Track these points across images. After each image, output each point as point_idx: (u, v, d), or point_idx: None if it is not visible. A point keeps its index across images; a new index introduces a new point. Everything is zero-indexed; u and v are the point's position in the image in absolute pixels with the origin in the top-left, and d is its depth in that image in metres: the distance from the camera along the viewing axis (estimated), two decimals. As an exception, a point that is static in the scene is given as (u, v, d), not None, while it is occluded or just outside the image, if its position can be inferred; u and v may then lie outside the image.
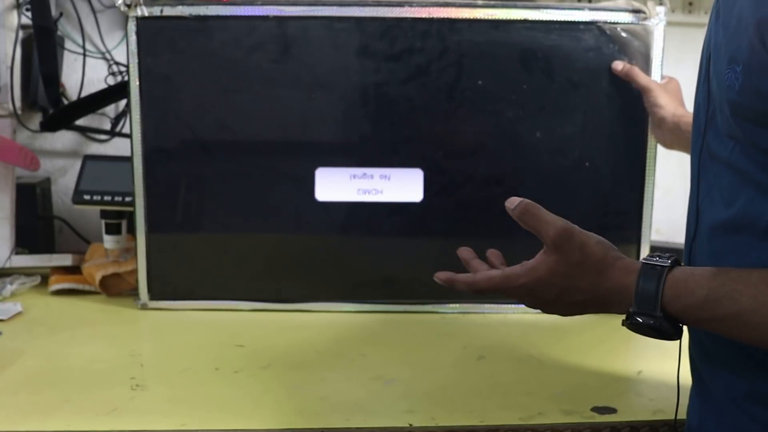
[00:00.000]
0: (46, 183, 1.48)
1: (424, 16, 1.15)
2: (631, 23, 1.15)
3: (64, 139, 1.53)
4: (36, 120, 1.44)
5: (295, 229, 1.21)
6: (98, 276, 1.24)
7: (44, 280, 1.30)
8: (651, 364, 1.00)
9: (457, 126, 1.18)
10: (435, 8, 1.14)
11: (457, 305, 1.21)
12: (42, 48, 1.32)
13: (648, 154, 1.18)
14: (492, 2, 1.16)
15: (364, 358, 1.02)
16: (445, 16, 1.15)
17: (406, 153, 1.18)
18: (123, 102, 1.45)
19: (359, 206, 1.19)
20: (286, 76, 1.16)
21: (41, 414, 0.84)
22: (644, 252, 1.20)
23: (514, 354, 1.05)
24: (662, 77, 1.17)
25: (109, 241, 1.28)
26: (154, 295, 1.21)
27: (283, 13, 1.15)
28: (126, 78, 1.20)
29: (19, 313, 1.17)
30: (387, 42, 1.15)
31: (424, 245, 1.21)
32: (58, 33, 1.45)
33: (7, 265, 1.31)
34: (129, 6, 1.13)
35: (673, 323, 0.67)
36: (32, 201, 1.41)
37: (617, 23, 1.15)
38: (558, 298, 0.72)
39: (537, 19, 1.15)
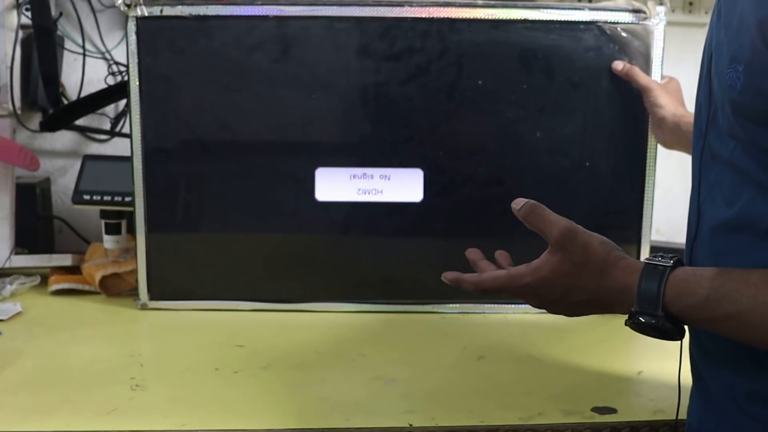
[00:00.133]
0: (46, 183, 1.48)
1: (424, 16, 1.15)
2: (632, 23, 1.15)
3: (63, 139, 1.53)
4: (36, 120, 1.44)
5: (295, 229, 1.21)
6: (98, 276, 1.24)
7: (44, 280, 1.30)
8: (651, 365, 1.00)
9: (457, 126, 1.18)
10: (435, 8, 1.14)
11: (457, 305, 1.21)
12: (42, 48, 1.33)
13: (648, 154, 1.18)
14: (492, 2, 1.16)
15: (364, 358, 1.02)
16: (445, 16, 1.15)
17: (406, 153, 1.18)
18: (123, 102, 1.45)
19: (359, 206, 1.19)
20: (286, 76, 1.16)
21: (41, 414, 0.84)
22: (644, 252, 1.20)
23: (514, 354, 1.05)
24: (662, 77, 1.17)
25: (108, 241, 1.28)
26: (153, 295, 1.21)
27: (283, 13, 1.15)
28: (126, 78, 1.19)
29: (18, 313, 1.17)
30: (387, 42, 1.15)
31: (424, 245, 1.21)
32: (58, 33, 1.45)
33: (7, 265, 1.31)
34: (129, 6, 1.13)
35: (674, 323, 0.67)
36: (32, 201, 1.41)
37: (617, 23, 1.15)
38: (562, 297, 0.73)
39: (537, 18, 1.15)
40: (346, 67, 1.16)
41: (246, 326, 1.14)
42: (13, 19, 1.31)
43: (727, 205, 0.68)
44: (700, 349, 0.74)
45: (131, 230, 1.23)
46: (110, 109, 1.52)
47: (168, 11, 1.14)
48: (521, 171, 1.19)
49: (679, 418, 0.80)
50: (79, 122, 1.49)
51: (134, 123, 1.17)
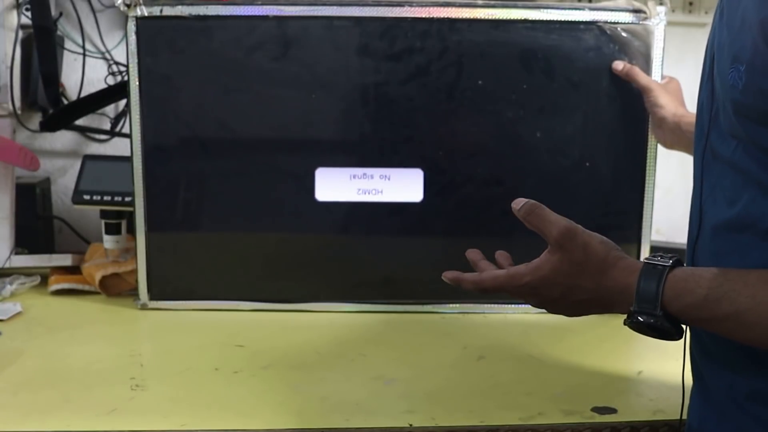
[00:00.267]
0: (46, 183, 1.48)
1: (424, 15, 1.15)
2: (632, 23, 1.15)
3: (63, 139, 1.53)
4: (36, 120, 1.44)
5: (295, 230, 1.21)
6: (98, 276, 1.24)
7: (44, 280, 1.30)
8: (651, 365, 1.00)
9: (457, 126, 1.18)
10: (435, 8, 1.14)
11: (457, 305, 1.21)
12: (42, 48, 1.33)
13: (648, 154, 1.18)
14: (492, 2, 1.16)
15: (364, 358, 1.02)
16: (445, 16, 1.15)
17: (406, 153, 1.18)
18: (123, 102, 1.45)
19: (359, 206, 1.19)
20: (286, 76, 1.16)
21: (41, 414, 0.84)
22: (644, 252, 1.20)
23: (514, 354, 1.05)
24: (662, 77, 1.17)
25: (108, 241, 1.28)
26: (153, 295, 1.21)
27: (283, 13, 1.15)
28: (126, 78, 1.19)
29: (18, 313, 1.17)
30: (387, 42, 1.15)
31: (424, 245, 1.21)
32: (58, 33, 1.45)
33: (7, 265, 1.31)
34: (129, 6, 1.13)
35: (673, 323, 0.67)
36: (32, 201, 1.41)
37: (618, 23, 1.15)
38: (562, 297, 0.73)
39: (537, 18, 1.15)
40: (346, 67, 1.16)
41: (246, 326, 1.14)
42: (13, 19, 1.31)
43: (729, 205, 0.68)
44: (700, 348, 0.74)
45: (131, 230, 1.23)
46: (110, 109, 1.52)
47: (168, 11, 1.14)
48: (521, 171, 1.19)
49: (678, 418, 0.80)
50: (79, 122, 1.49)
51: (134, 123, 1.17)
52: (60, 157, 1.54)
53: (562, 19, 1.15)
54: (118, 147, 1.50)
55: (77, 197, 1.27)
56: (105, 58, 1.52)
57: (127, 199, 1.22)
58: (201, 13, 1.14)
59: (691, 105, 1.13)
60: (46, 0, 1.32)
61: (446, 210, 1.19)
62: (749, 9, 0.61)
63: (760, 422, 0.67)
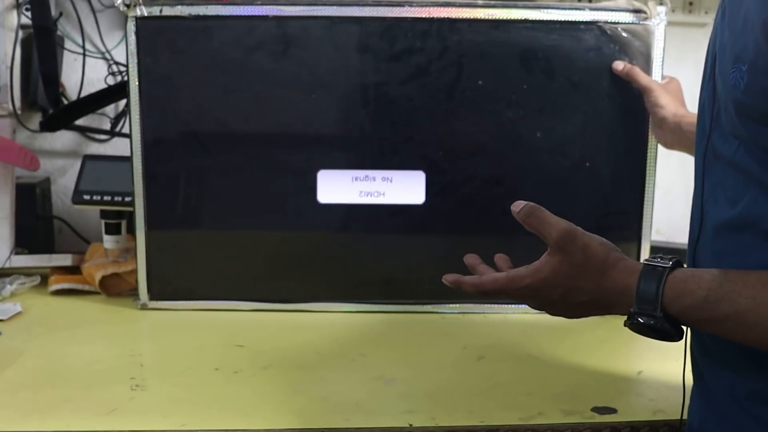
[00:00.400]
0: (46, 183, 1.48)
1: (424, 15, 1.15)
2: (632, 23, 1.15)
3: (63, 139, 1.53)
4: (36, 120, 1.44)
5: (296, 229, 1.21)
6: (98, 276, 1.24)
7: (44, 280, 1.30)
8: (651, 365, 1.00)
9: (458, 126, 1.18)
10: (435, 8, 1.14)
11: (457, 305, 1.21)
12: (42, 48, 1.33)
13: (648, 155, 1.18)
14: (492, 2, 1.16)
15: (364, 358, 1.02)
16: (445, 16, 1.15)
17: (406, 153, 1.18)
18: (123, 102, 1.45)
19: (360, 206, 1.19)
20: (286, 77, 1.16)
21: (41, 414, 0.84)
22: (645, 252, 1.20)
23: (514, 354, 1.05)
24: (663, 77, 1.17)
25: (108, 241, 1.28)
26: (154, 295, 1.21)
27: (282, 13, 1.15)
28: (125, 78, 1.19)
29: (18, 313, 1.17)
30: (387, 42, 1.15)
31: (425, 245, 1.21)
32: (58, 33, 1.45)
33: (7, 265, 1.31)
34: (128, 6, 1.13)
35: (673, 324, 0.67)
36: (32, 201, 1.41)
37: (618, 23, 1.15)
38: (562, 299, 0.73)
39: (537, 18, 1.15)
40: (346, 67, 1.16)
41: (246, 326, 1.14)
42: (13, 19, 1.31)
43: (730, 205, 0.68)
44: (701, 348, 0.74)
45: (131, 230, 1.23)
46: (110, 109, 1.52)
47: (167, 11, 1.14)
48: (521, 171, 1.19)
49: (678, 418, 0.80)
50: (79, 122, 1.49)
51: (134, 123, 1.17)
52: (60, 157, 1.54)
53: (563, 19, 1.15)
54: (118, 147, 1.50)
55: (77, 197, 1.27)
56: (105, 58, 1.52)
57: (127, 199, 1.22)
58: (201, 13, 1.14)
59: (691, 105, 1.13)
60: (46, 0, 1.32)
61: (446, 210, 1.19)
62: (751, 9, 0.61)
63: (760, 422, 0.67)
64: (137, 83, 1.16)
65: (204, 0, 1.15)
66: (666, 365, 0.97)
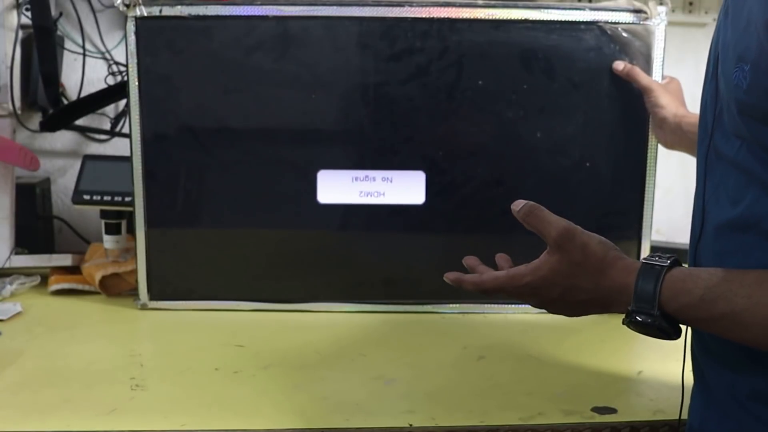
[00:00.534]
0: (46, 183, 1.48)
1: (424, 16, 1.15)
2: (632, 23, 1.15)
3: (63, 139, 1.53)
4: (36, 120, 1.44)
5: (297, 231, 1.21)
6: (98, 276, 1.24)
7: (44, 280, 1.30)
8: (651, 365, 0.99)
9: (458, 126, 1.18)
10: (435, 8, 1.14)
11: (457, 305, 1.21)
12: (42, 48, 1.33)
13: (649, 155, 1.18)
14: (492, 2, 1.16)
15: (364, 358, 1.02)
16: (446, 16, 1.15)
17: (406, 153, 1.18)
18: (123, 102, 1.45)
19: (360, 206, 1.19)
20: (285, 76, 1.16)
21: (41, 414, 0.84)
22: (645, 252, 1.20)
23: (514, 354, 1.05)
24: (663, 77, 1.17)
25: (108, 241, 1.28)
26: (153, 295, 1.21)
27: (282, 13, 1.15)
28: (125, 78, 1.19)
29: (18, 313, 1.17)
30: (387, 42, 1.15)
31: (425, 245, 1.21)
32: (58, 33, 1.45)
33: (7, 265, 1.31)
34: (128, 6, 1.13)
35: (671, 322, 0.68)
36: (32, 201, 1.41)
37: (618, 23, 1.15)
38: (561, 297, 0.73)
39: (537, 19, 1.15)
40: (346, 67, 1.16)
41: (246, 326, 1.14)
42: (13, 19, 1.31)
43: (732, 205, 0.68)
44: (702, 347, 0.74)
45: (131, 230, 1.23)
46: (110, 109, 1.52)
47: (167, 11, 1.14)
48: (522, 171, 1.19)
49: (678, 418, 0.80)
50: (79, 122, 1.49)
51: (134, 123, 1.17)
52: (60, 157, 1.54)
53: (563, 19, 1.15)
54: (118, 147, 1.50)
55: (77, 197, 1.27)
56: (105, 58, 1.52)
57: (127, 199, 1.22)
58: (200, 13, 1.14)
59: (692, 105, 1.13)
60: (46, 0, 1.32)
61: (446, 210, 1.19)
62: (754, 9, 0.61)
63: (761, 422, 0.67)
64: (137, 83, 1.16)
65: (204, 0, 1.15)
66: (666, 365, 0.97)
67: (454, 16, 1.15)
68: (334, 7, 1.15)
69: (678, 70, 1.27)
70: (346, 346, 1.07)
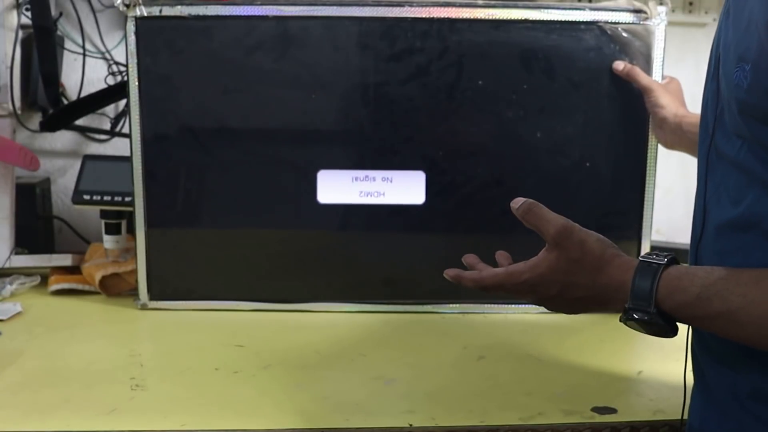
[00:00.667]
0: (46, 183, 1.48)
1: (424, 16, 1.15)
2: (632, 23, 1.15)
3: (63, 139, 1.53)
4: (36, 120, 1.44)
5: (297, 231, 1.21)
6: (98, 276, 1.24)
7: (44, 280, 1.30)
8: (651, 365, 0.99)
9: (458, 126, 1.18)
10: (435, 8, 1.14)
11: (457, 305, 1.21)
12: (42, 48, 1.33)
13: (649, 155, 1.18)
14: (492, 2, 1.16)
15: (364, 358, 1.02)
16: (446, 16, 1.15)
17: (406, 153, 1.18)
18: (123, 102, 1.45)
19: (360, 206, 1.19)
20: (285, 76, 1.16)
21: (41, 414, 0.84)
22: (644, 251, 1.20)
23: (514, 354, 1.05)
24: (663, 77, 1.17)
25: (108, 241, 1.28)
26: (153, 295, 1.21)
27: (282, 13, 1.15)
28: (125, 78, 1.19)
29: (18, 313, 1.17)
30: (387, 42, 1.15)
31: (425, 245, 1.21)
32: (58, 33, 1.45)
33: (7, 265, 1.31)
34: (128, 6, 1.13)
35: (667, 320, 0.68)
36: (32, 201, 1.41)
37: (618, 23, 1.15)
38: (559, 294, 0.74)
39: (537, 19, 1.15)
40: (346, 67, 1.16)
41: (246, 326, 1.14)
42: (13, 19, 1.31)
43: (733, 205, 0.68)
44: (702, 347, 0.74)
45: (131, 230, 1.23)
46: (110, 109, 1.52)
47: (167, 11, 1.14)
48: (522, 171, 1.19)
49: (678, 418, 0.80)
50: (79, 122, 1.49)
51: (134, 123, 1.17)
52: (60, 157, 1.54)
53: (563, 19, 1.15)
54: (118, 147, 1.50)
55: (77, 197, 1.27)
56: (105, 58, 1.52)
57: (127, 199, 1.22)
58: (200, 13, 1.14)
59: (691, 105, 1.13)
60: (46, 0, 1.32)
61: (446, 210, 1.19)
62: (755, 9, 0.61)
63: (761, 421, 0.67)
64: (137, 83, 1.16)
65: (204, 0, 1.15)
66: (666, 365, 0.97)
67: (454, 16, 1.15)
68: (334, 7, 1.15)
69: (678, 70, 1.27)
70: (346, 346, 1.07)
